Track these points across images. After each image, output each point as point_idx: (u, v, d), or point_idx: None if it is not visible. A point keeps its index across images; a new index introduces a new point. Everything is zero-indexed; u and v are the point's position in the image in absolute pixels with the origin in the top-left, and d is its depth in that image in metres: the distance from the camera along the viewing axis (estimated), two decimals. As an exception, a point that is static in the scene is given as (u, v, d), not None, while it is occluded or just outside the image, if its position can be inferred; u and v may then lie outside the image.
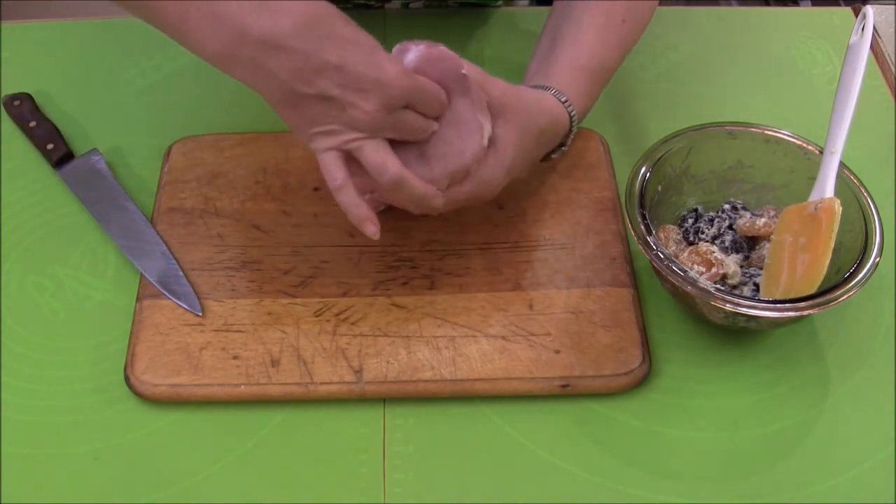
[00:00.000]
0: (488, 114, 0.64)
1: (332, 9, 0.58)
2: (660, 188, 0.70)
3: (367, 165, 0.61)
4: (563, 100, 0.71)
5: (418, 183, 0.63)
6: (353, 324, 0.68)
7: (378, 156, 0.61)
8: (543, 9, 0.93)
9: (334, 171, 0.61)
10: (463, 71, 0.62)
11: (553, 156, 0.75)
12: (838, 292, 0.61)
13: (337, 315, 0.69)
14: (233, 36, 0.57)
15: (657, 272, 0.66)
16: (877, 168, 0.81)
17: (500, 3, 0.95)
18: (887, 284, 0.72)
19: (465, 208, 0.73)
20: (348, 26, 0.58)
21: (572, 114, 0.72)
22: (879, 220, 0.65)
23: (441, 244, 0.73)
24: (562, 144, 0.74)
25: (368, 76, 0.58)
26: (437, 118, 0.63)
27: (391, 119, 0.60)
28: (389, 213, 0.72)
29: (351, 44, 0.58)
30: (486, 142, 0.64)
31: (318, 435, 0.64)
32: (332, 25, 0.57)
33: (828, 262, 0.62)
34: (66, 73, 0.88)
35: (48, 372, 0.67)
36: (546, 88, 0.72)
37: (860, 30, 0.68)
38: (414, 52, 0.63)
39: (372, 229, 0.63)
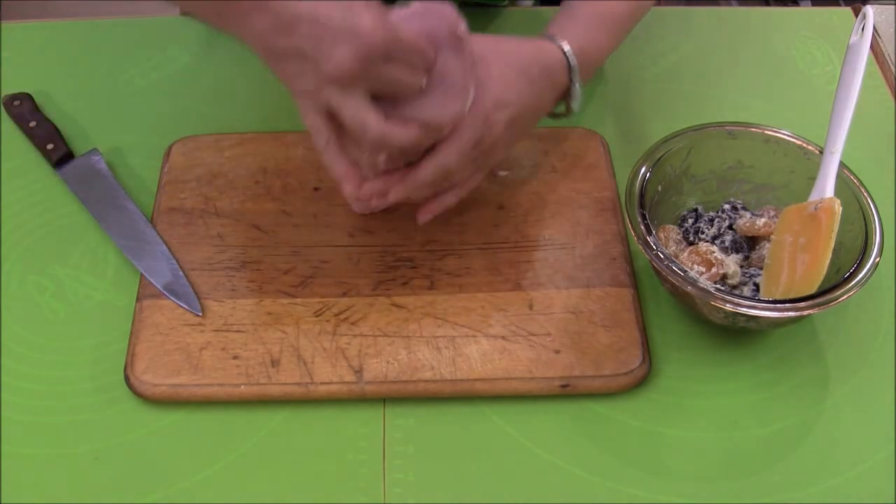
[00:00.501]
0: (474, 77, 0.62)
1: None
2: (660, 188, 0.70)
3: (348, 125, 0.59)
4: (552, 37, 0.69)
5: (403, 136, 0.60)
6: (353, 324, 0.68)
7: (358, 114, 0.58)
8: (548, 9, 0.93)
9: (316, 134, 0.60)
10: (458, 31, 0.60)
11: (572, 104, 0.72)
12: (838, 292, 0.61)
13: (337, 315, 0.69)
14: None
15: (657, 272, 0.66)
16: (877, 168, 0.81)
17: (505, 2, 0.95)
18: (887, 284, 0.73)
19: (465, 207, 0.74)
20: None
21: (564, 48, 0.69)
22: (879, 220, 0.65)
23: (441, 244, 0.73)
24: (570, 83, 0.71)
25: (341, 26, 0.55)
26: (426, 73, 0.61)
27: (372, 73, 0.57)
28: (390, 213, 0.72)
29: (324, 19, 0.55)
30: (468, 106, 0.62)
31: (318, 435, 0.64)
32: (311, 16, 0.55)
33: (828, 262, 0.62)
34: (66, 73, 0.88)
35: (48, 372, 0.67)
36: (540, 38, 0.70)
37: (860, 30, 0.68)
38: (409, 5, 0.61)
39: (348, 188, 0.62)
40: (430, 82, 0.61)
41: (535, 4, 0.97)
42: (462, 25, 0.61)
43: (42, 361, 0.68)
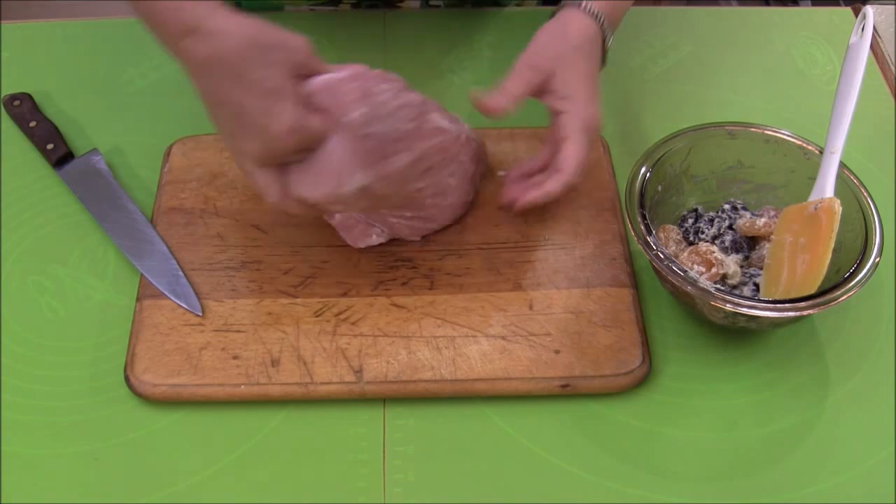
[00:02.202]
0: (364, 165, 0.63)
1: (252, 44, 0.58)
2: (660, 188, 0.70)
3: (258, 190, 0.64)
4: (581, 7, 0.71)
5: (294, 210, 0.64)
6: (353, 324, 0.68)
7: (262, 185, 0.63)
8: (553, 9, 0.93)
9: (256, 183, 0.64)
10: (345, 119, 0.62)
11: (605, 58, 0.75)
12: (838, 292, 0.61)
13: (337, 315, 0.69)
14: (171, 53, 0.61)
15: (657, 272, 0.66)
16: (877, 168, 0.81)
17: (512, 2, 0.95)
18: (887, 284, 0.73)
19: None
20: (262, 67, 0.58)
21: (596, 13, 0.71)
22: (879, 220, 0.65)
23: (441, 244, 0.73)
24: (604, 42, 0.74)
25: (258, 124, 0.59)
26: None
27: (277, 159, 0.62)
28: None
29: (255, 91, 0.58)
30: (347, 189, 0.63)
31: (318, 435, 0.64)
32: (243, 66, 0.58)
33: (828, 262, 0.62)
34: (66, 73, 0.88)
35: (48, 372, 0.67)
36: (565, 8, 0.72)
37: (860, 30, 0.68)
38: (322, 78, 0.63)
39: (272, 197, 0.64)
40: (313, 158, 0.63)
41: (538, 4, 0.97)
42: (356, 113, 0.63)
43: (42, 361, 0.68)
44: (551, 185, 0.69)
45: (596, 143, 0.81)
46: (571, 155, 0.68)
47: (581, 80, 0.70)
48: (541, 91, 0.70)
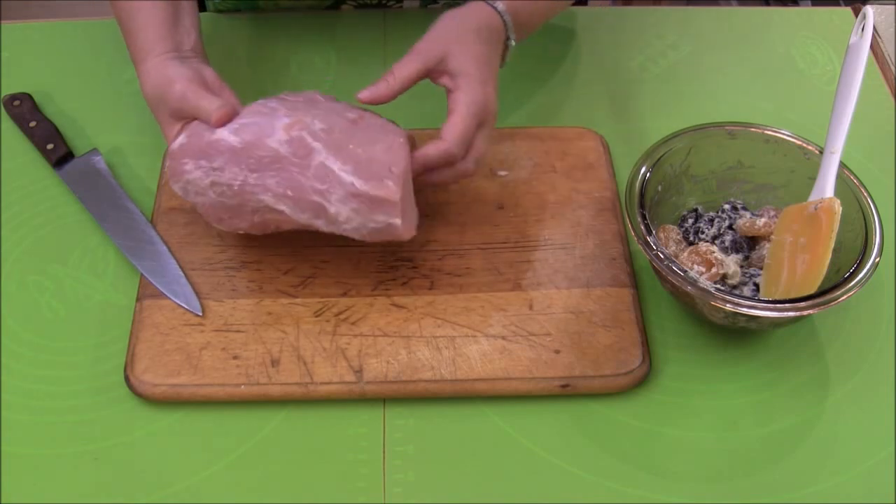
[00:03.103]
0: (216, 221, 0.69)
1: (149, 100, 0.70)
2: (660, 188, 0.70)
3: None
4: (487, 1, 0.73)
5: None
6: (353, 324, 0.68)
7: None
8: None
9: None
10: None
11: (506, 56, 0.75)
12: (838, 292, 0.61)
13: (337, 315, 0.69)
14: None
15: (657, 272, 0.66)
16: (877, 168, 0.81)
17: None
18: (887, 284, 0.73)
19: (465, 208, 0.74)
20: (158, 117, 0.70)
21: (498, 7, 0.72)
22: (879, 220, 0.65)
23: (441, 244, 0.73)
24: (507, 39, 0.74)
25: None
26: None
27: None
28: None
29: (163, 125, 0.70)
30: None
31: (318, 435, 0.64)
32: (154, 106, 0.70)
33: (828, 262, 0.62)
34: (66, 73, 0.88)
35: (48, 372, 0.67)
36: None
37: (860, 30, 0.68)
38: (176, 142, 0.67)
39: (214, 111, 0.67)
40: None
41: None
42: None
43: (42, 361, 0.68)
44: (429, 149, 0.68)
45: (596, 142, 0.81)
46: (451, 125, 0.67)
47: (475, 61, 0.69)
48: (437, 72, 0.70)
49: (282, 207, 0.65)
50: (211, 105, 0.66)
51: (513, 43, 0.74)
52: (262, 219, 0.67)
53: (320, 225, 0.66)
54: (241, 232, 0.69)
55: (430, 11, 0.95)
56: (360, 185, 0.63)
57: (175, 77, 0.68)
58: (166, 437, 0.64)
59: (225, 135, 0.65)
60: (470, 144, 0.69)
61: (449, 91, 0.69)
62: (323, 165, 0.64)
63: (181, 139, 0.67)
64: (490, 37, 0.72)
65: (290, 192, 0.64)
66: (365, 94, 0.68)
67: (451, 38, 0.70)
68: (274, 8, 0.94)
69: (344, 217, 0.64)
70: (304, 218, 0.65)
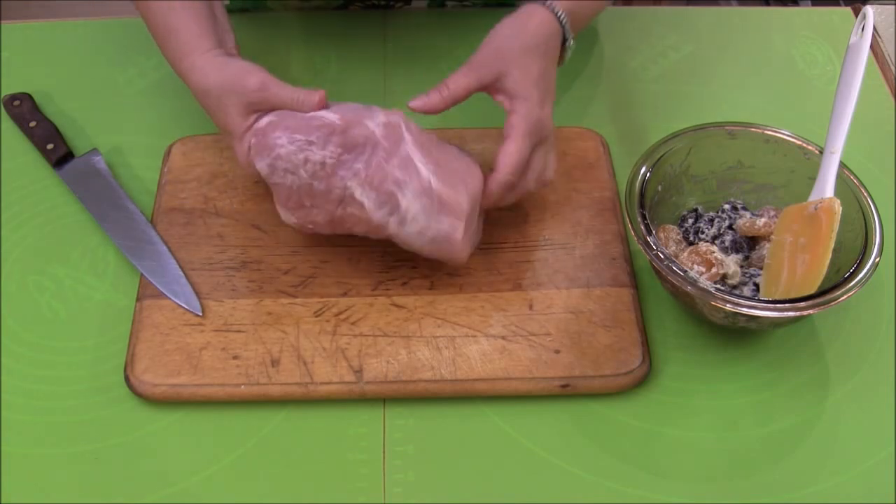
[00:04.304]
0: (286, 207, 0.69)
1: (209, 92, 0.69)
2: (660, 188, 0.70)
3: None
4: (543, 2, 0.71)
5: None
6: (353, 324, 0.68)
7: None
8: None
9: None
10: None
11: (564, 56, 0.74)
12: (838, 292, 0.61)
13: (337, 315, 0.69)
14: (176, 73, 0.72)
15: (657, 272, 0.66)
16: (877, 168, 0.81)
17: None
18: (887, 284, 0.73)
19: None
20: (219, 110, 0.69)
21: (557, 12, 0.71)
22: (879, 220, 0.65)
23: (441, 244, 0.73)
24: (565, 41, 0.73)
25: (234, 149, 0.70)
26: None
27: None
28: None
29: (220, 128, 0.70)
30: (287, 222, 0.69)
31: (318, 435, 0.64)
32: (208, 109, 0.70)
33: (828, 262, 0.62)
34: (66, 73, 0.88)
35: (48, 372, 0.67)
36: (526, 3, 0.72)
37: (860, 30, 0.68)
38: (264, 120, 0.67)
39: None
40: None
41: None
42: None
43: (42, 361, 0.68)
44: (490, 186, 0.68)
45: (596, 142, 0.81)
46: (506, 153, 0.67)
47: (533, 82, 0.68)
48: (493, 89, 0.69)
49: (364, 200, 0.65)
50: (299, 93, 0.66)
51: (571, 44, 0.73)
52: (343, 212, 0.66)
53: (393, 225, 0.65)
54: (310, 229, 0.68)
55: (430, 11, 0.95)
56: (435, 183, 0.64)
57: (248, 69, 0.68)
58: (166, 437, 0.64)
59: (324, 112, 0.66)
60: (527, 165, 0.69)
61: (506, 111, 0.69)
62: (408, 156, 0.65)
63: (270, 118, 0.66)
64: (548, 50, 0.70)
65: (374, 180, 0.64)
66: (417, 104, 0.68)
67: (509, 55, 0.68)
68: (282, 8, 0.94)
69: (412, 214, 0.64)
70: (379, 216, 0.65)
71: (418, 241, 0.66)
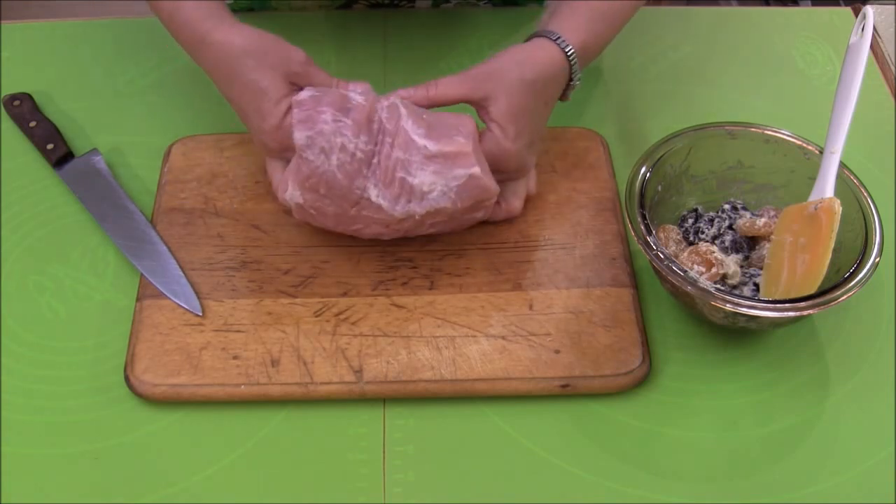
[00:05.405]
0: (300, 185, 0.67)
1: (248, 51, 0.67)
2: (660, 188, 0.70)
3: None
4: (554, 38, 0.70)
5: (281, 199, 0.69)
6: (353, 324, 0.68)
7: (269, 175, 0.72)
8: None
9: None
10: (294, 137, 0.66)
11: (568, 93, 0.74)
12: (838, 292, 0.61)
13: (337, 315, 0.69)
14: (189, 47, 0.71)
15: (657, 272, 0.66)
16: (877, 168, 0.81)
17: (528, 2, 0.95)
18: (887, 284, 0.73)
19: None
20: (255, 71, 0.67)
21: (567, 50, 0.70)
22: (879, 220, 0.65)
23: (441, 244, 0.73)
24: (571, 80, 0.72)
25: (252, 123, 0.69)
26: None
27: (275, 153, 0.70)
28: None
29: (249, 91, 0.67)
30: (288, 200, 0.68)
31: (318, 435, 0.64)
32: (241, 69, 0.67)
33: (828, 262, 0.62)
34: (66, 73, 0.88)
35: (48, 372, 0.67)
36: (538, 35, 0.71)
37: (860, 30, 0.68)
38: (304, 93, 0.67)
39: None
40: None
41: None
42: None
43: (42, 361, 0.68)
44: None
45: (596, 142, 0.81)
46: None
47: (514, 115, 0.68)
48: (478, 107, 0.69)
49: (381, 202, 0.66)
50: (335, 80, 0.69)
51: (577, 83, 0.73)
52: (357, 213, 0.67)
53: (416, 207, 0.66)
54: (311, 215, 0.68)
55: (430, 11, 0.95)
56: (432, 146, 0.65)
57: (288, 44, 0.68)
58: (166, 437, 0.64)
59: (354, 94, 0.67)
60: None
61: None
62: (404, 131, 0.66)
63: (311, 91, 0.67)
64: (545, 89, 0.70)
65: (387, 177, 0.65)
66: (402, 93, 0.69)
67: (504, 82, 0.68)
68: (287, 7, 0.94)
69: (428, 184, 0.65)
70: (399, 209, 0.66)
71: (449, 203, 0.66)
